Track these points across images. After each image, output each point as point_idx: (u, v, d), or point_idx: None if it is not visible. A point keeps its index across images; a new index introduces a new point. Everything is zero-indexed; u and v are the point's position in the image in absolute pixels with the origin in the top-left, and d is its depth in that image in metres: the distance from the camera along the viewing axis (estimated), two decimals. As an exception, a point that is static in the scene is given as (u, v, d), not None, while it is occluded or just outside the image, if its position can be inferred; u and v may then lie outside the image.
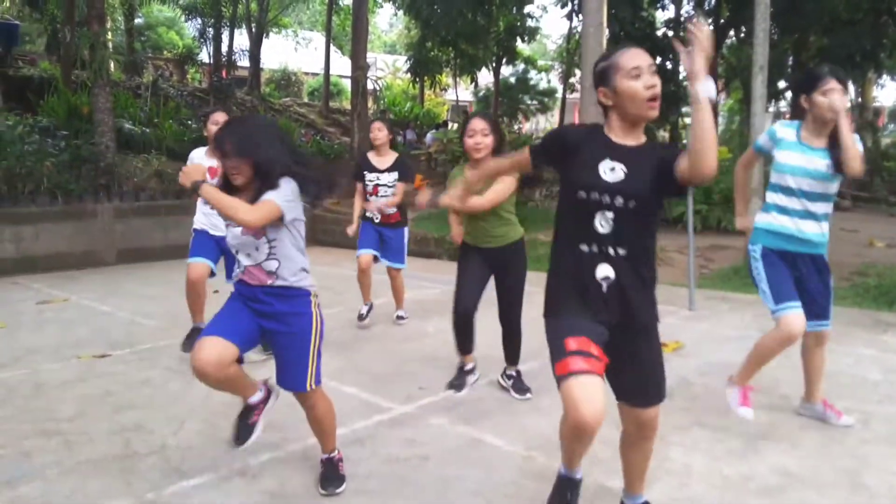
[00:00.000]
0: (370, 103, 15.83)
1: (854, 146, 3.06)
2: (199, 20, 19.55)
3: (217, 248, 4.52)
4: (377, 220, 5.47)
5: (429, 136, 22.54)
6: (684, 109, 23.70)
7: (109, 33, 17.23)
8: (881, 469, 2.97)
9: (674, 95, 19.61)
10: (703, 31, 1.87)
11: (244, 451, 3.14)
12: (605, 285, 2.10)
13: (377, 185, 5.41)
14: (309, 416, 2.79)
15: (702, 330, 5.38)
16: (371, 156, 5.47)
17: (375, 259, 5.57)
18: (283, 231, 2.58)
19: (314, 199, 2.66)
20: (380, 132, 5.41)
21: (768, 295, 3.22)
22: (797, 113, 3.28)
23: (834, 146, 3.13)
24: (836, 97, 3.10)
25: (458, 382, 3.97)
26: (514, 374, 4.00)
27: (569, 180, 2.14)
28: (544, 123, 32.25)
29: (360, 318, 5.62)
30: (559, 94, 25.29)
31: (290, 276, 2.61)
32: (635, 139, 2.14)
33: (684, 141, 6.71)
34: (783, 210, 3.25)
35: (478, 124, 3.63)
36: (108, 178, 9.68)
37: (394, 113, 24.50)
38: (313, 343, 2.66)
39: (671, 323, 5.60)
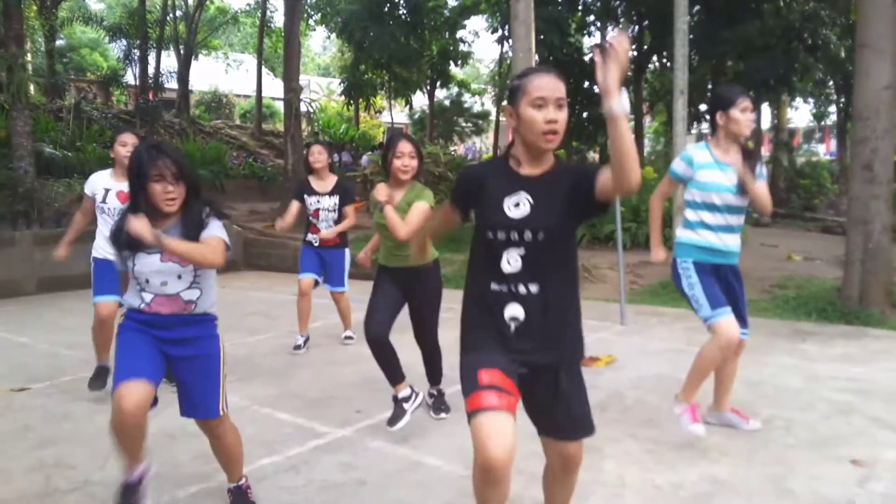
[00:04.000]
0: (304, 125, 15.70)
1: (761, 195, 3.28)
2: (125, 42, 19.06)
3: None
4: (317, 244, 5.43)
5: (364, 158, 22.50)
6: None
7: (29, 55, 16.61)
8: (805, 474, 3.09)
9: (602, 118, 20.25)
10: (623, 44, 1.74)
11: (172, 484, 3.03)
12: (513, 326, 2.03)
13: (318, 208, 5.38)
14: (217, 445, 2.71)
15: (633, 344, 5.52)
16: (312, 180, 5.42)
17: (316, 283, 5.50)
18: None
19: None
20: (320, 155, 5.40)
21: (703, 302, 3.27)
22: (712, 129, 3.42)
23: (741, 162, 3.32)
24: (751, 116, 3.30)
25: (393, 415, 3.60)
26: (434, 393, 4.01)
27: (478, 221, 2.08)
28: (479, 145, 32.69)
29: (297, 348, 5.51)
30: (493, 117, 25.68)
31: (209, 305, 2.58)
32: (541, 167, 2.05)
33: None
34: (707, 226, 3.35)
35: (406, 147, 3.64)
36: (26, 204, 9.28)
37: (329, 135, 24.40)
38: (222, 365, 2.61)
39: (604, 337, 5.73)
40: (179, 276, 2.48)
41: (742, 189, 3.30)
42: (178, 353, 2.54)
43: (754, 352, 4.94)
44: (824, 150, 32.75)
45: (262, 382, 4.68)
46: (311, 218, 5.42)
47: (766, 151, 23.98)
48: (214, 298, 2.62)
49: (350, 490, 3.01)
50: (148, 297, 2.50)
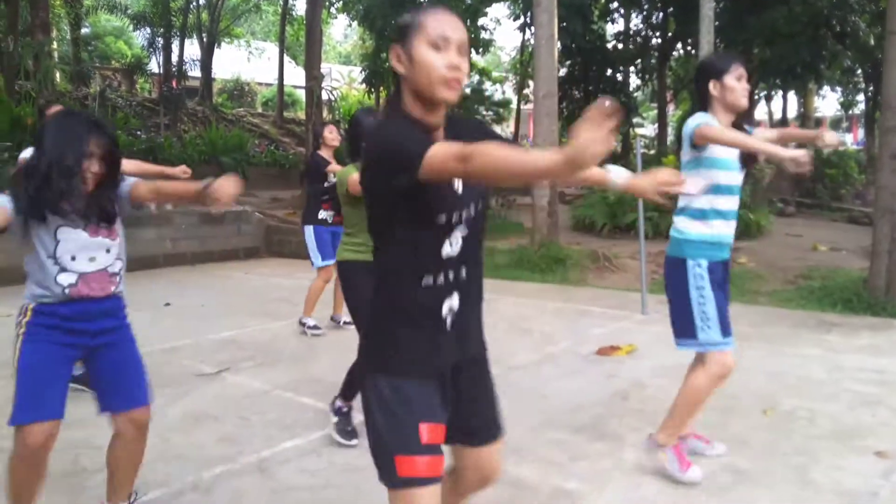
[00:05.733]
0: (325, 113, 15.76)
1: (765, 147, 2.74)
2: (149, 30, 19.22)
3: None
4: (330, 221, 5.52)
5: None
6: (635, 120, 24.29)
7: (55, 43, 16.81)
8: (827, 464, 3.06)
9: (624, 107, 20.09)
10: (606, 111, 1.19)
11: (196, 466, 3.08)
12: (449, 320, 1.64)
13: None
14: (133, 447, 2.47)
15: (654, 333, 5.48)
16: (326, 154, 5.56)
17: None
18: (122, 226, 2.38)
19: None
20: (338, 135, 5.62)
21: (714, 323, 2.83)
22: (703, 104, 2.87)
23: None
24: (746, 86, 2.80)
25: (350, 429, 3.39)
26: (345, 409, 3.46)
27: (421, 206, 1.54)
28: (501, 134, 32.57)
29: (314, 328, 5.58)
30: (514, 105, 25.56)
31: (122, 278, 2.40)
32: (440, 120, 1.63)
33: (634, 151, 6.86)
34: (720, 214, 2.84)
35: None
36: (53, 191, 9.41)
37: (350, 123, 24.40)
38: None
39: (624, 327, 5.70)
40: (108, 250, 2.31)
41: (744, 163, 2.84)
42: (100, 341, 2.35)
43: (778, 342, 4.90)
44: (852, 140, 32.20)
45: (284, 367, 4.73)
46: (324, 195, 5.51)
47: (791, 141, 23.62)
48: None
49: (370, 473, 3.01)
50: (72, 277, 2.24)
